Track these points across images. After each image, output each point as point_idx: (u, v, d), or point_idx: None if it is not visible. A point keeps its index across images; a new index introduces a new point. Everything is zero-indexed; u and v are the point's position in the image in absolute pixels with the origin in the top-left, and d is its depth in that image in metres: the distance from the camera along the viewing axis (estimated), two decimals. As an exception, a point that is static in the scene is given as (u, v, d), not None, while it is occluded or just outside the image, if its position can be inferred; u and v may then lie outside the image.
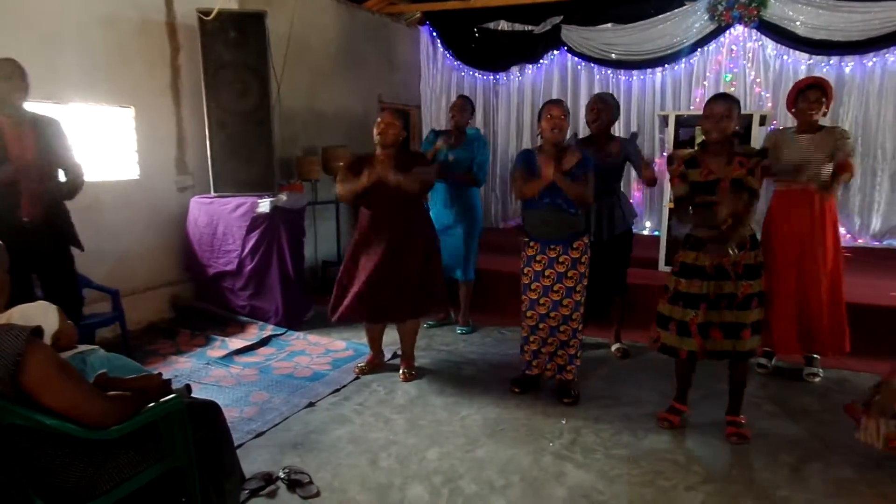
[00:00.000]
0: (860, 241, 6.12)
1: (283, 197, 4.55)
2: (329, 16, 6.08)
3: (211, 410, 1.98)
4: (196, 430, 1.85)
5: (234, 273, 4.58)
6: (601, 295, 3.97)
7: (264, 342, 4.28)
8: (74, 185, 3.22)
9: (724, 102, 2.72)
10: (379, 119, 3.40)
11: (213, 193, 4.65)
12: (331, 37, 6.11)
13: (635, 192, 6.81)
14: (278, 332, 4.44)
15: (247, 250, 4.52)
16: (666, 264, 4.98)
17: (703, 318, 2.79)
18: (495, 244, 5.44)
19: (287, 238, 4.55)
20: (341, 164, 3.72)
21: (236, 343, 4.20)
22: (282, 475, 2.53)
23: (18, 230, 2.93)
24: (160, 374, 1.93)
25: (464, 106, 4.32)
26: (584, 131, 5.35)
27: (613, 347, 4.08)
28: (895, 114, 5.90)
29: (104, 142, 4.25)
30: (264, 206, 4.45)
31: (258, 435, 2.95)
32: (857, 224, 6.17)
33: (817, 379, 3.55)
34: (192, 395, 2.76)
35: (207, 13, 4.28)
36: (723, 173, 2.72)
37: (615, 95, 6.73)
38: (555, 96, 7.02)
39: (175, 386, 2.03)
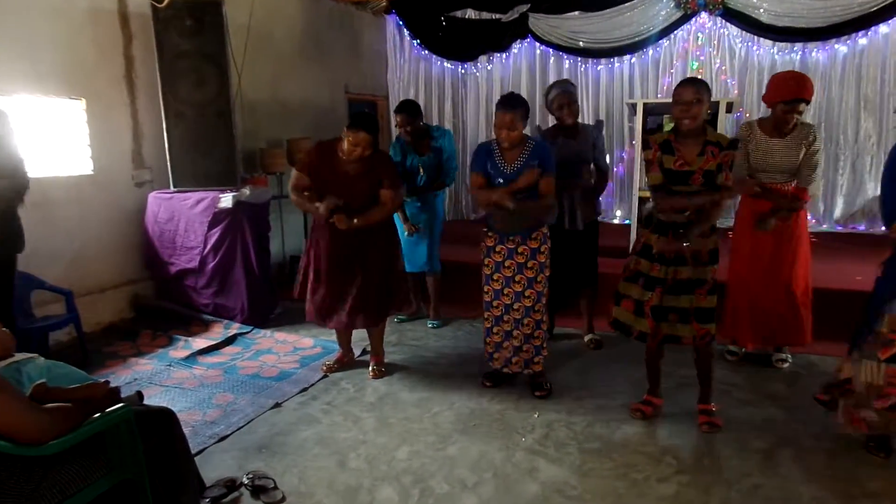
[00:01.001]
0: (824, 226, 6.21)
1: (247, 191, 4.40)
2: (292, 4, 5.92)
3: (164, 418, 1.88)
4: (148, 440, 1.75)
5: (197, 270, 4.43)
6: (572, 285, 3.94)
7: (229, 341, 4.16)
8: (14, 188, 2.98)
9: (692, 87, 2.66)
10: (350, 137, 3.15)
11: (172, 188, 4.48)
12: (294, 25, 5.94)
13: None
14: (244, 331, 4.32)
15: (209, 247, 4.38)
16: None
17: (657, 301, 2.78)
18: (466, 236, 5.37)
19: (251, 233, 4.41)
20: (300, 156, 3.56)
21: (200, 343, 4.06)
22: (245, 481, 2.43)
23: None
24: (107, 381, 1.82)
25: (407, 119, 4.12)
26: (541, 118, 5.31)
27: (586, 338, 4.05)
28: (857, 100, 5.98)
29: (53, 135, 4.05)
30: (226, 200, 4.31)
31: (221, 439, 2.84)
32: (821, 209, 6.25)
33: (786, 364, 3.57)
34: (149, 400, 2.65)
35: (160, 0, 4.10)
36: (696, 164, 2.69)
37: (583, 83, 6.79)
38: (523, 85, 6.98)
39: (126, 393, 1.92)
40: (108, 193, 4.33)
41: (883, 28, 5.73)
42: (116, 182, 4.40)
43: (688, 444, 2.75)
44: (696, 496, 2.36)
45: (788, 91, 3.17)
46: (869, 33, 5.79)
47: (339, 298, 3.37)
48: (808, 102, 3.22)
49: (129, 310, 4.52)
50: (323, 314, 3.43)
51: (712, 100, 3.37)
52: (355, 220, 3.21)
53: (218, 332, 4.27)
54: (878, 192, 6.05)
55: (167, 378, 3.56)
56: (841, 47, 5.94)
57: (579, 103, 4.05)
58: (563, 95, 3.69)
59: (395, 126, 4.30)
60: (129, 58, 4.40)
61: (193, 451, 2.65)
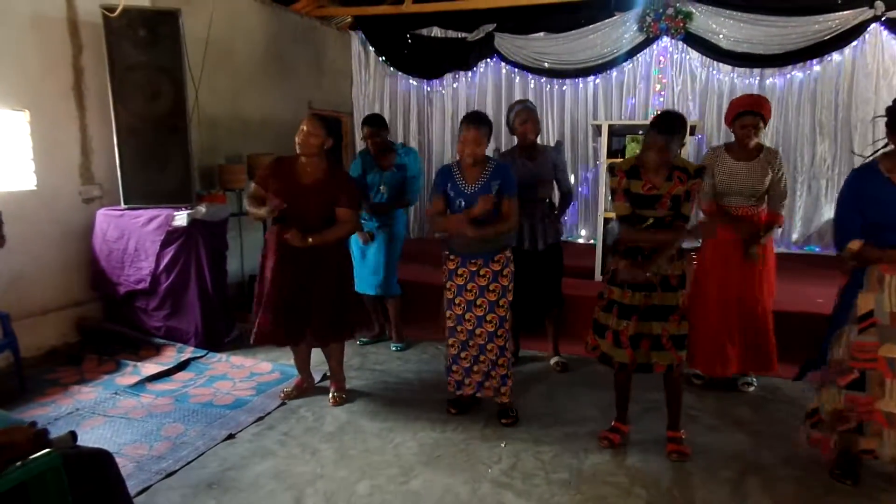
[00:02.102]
0: (782, 248, 6.32)
1: (202, 208, 4.23)
2: (253, 17, 5.78)
3: (100, 461, 1.72)
4: (80, 487, 1.59)
5: (148, 291, 4.22)
6: (537, 307, 3.88)
7: (182, 366, 3.95)
8: None
9: (664, 131, 2.59)
10: (302, 126, 3.15)
11: (123, 205, 4.27)
12: (256, 39, 5.81)
13: (570, 201, 6.82)
14: (198, 355, 4.11)
15: (162, 267, 4.18)
16: (602, 273, 4.95)
17: (633, 330, 2.73)
18: (431, 254, 5.28)
19: (207, 252, 4.23)
20: (258, 170, 3.44)
21: (150, 368, 3.85)
22: (193, 522, 2.27)
23: None
24: (33, 423, 1.65)
25: (372, 132, 4.09)
26: (506, 139, 5.29)
27: (552, 361, 3.99)
28: (812, 125, 6.14)
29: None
30: (181, 218, 4.12)
31: (169, 475, 2.66)
32: (779, 231, 6.38)
33: (751, 388, 3.57)
34: (91, 432, 2.46)
35: (112, 9, 3.93)
36: (664, 188, 2.66)
37: (548, 103, 6.82)
38: (489, 104, 6.97)
39: (62, 427, 1.75)
40: (53, 210, 4.10)
41: (836, 56, 5.91)
42: (62, 198, 4.17)
43: (657, 473, 2.68)
44: (666, 530, 2.29)
45: (741, 104, 3.25)
46: (823, 61, 5.97)
47: (286, 317, 3.20)
48: (763, 119, 3.24)
49: (74, 333, 4.27)
50: (267, 334, 3.25)
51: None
52: (310, 239, 3.08)
53: (170, 357, 4.06)
54: (833, 215, 6.24)
55: (112, 407, 3.34)
56: (797, 74, 6.11)
57: (543, 123, 4.05)
58: (525, 111, 3.67)
59: (361, 139, 4.22)
60: (79, 68, 4.20)
61: (137, 489, 2.49)
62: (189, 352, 4.13)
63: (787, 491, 2.54)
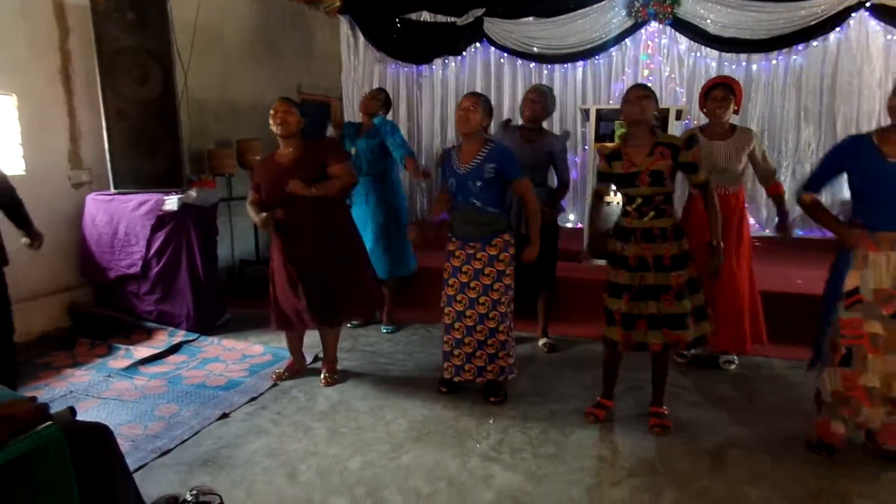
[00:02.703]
0: (767, 231, 6.42)
1: (193, 193, 4.25)
2: (241, 1, 5.76)
3: (99, 435, 1.76)
4: (80, 461, 1.63)
5: (139, 276, 4.25)
6: (528, 289, 3.94)
7: (174, 349, 3.99)
8: None
9: (640, 87, 2.80)
10: (272, 110, 3.19)
11: (112, 190, 4.28)
12: (244, 23, 5.79)
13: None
14: (190, 338, 4.15)
15: (153, 251, 4.20)
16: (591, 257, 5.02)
17: (626, 309, 2.79)
18: (425, 239, 5.31)
19: (197, 237, 4.26)
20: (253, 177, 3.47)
21: (142, 352, 3.89)
22: (189, 498, 2.31)
23: None
24: (33, 398, 1.69)
25: (374, 95, 4.20)
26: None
27: (541, 342, 4.06)
28: (797, 111, 6.22)
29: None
30: (171, 202, 4.14)
31: (164, 453, 2.71)
32: (765, 215, 6.47)
33: (733, 366, 3.66)
34: (86, 413, 2.50)
35: (100, -8, 3.92)
36: (643, 165, 2.73)
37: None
38: (478, 89, 6.97)
39: (58, 408, 1.79)
40: (42, 195, 4.09)
41: (821, 42, 5.98)
42: (51, 183, 4.17)
43: (639, 447, 2.77)
44: (647, 499, 2.37)
45: (711, 80, 3.44)
46: (808, 47, 6.03)
47: (295, 300, 3.29)
48: (734, 94, 3.33)
49: (65, 318, 4.29)
50: (283, 320, 3.39)
51: (663, 106, 3.50)
52: (313, 189, 3.13)
53: (161, 341, 4.09)
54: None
55: (106, 389, 3.38)
56: (783, 59, 6.17)
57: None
58: (536, 92, 3.75)
59: (366, 98, 4.24)
60: (66, 52, 4.18)
61: (134, 467, 2.53)
62: (181, 335, 4.16)
63: (764, 462, 2.63)
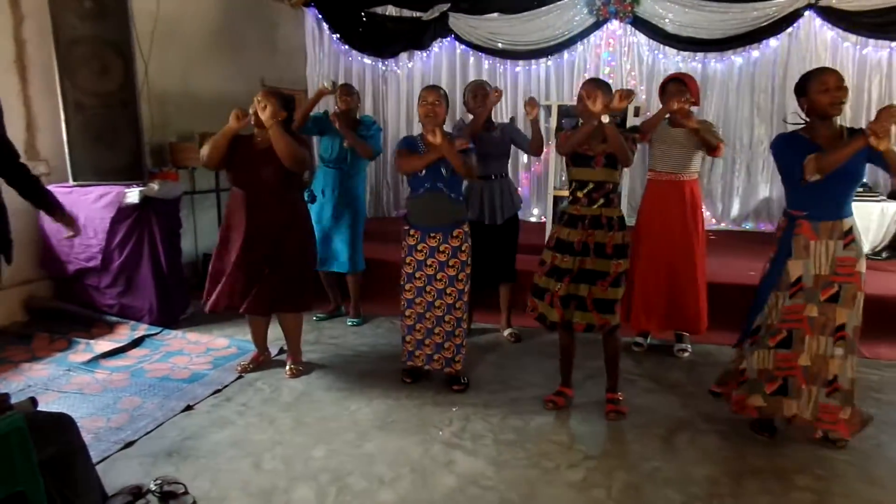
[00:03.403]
0: (722, 224, 6.66)
1: (155, 186, 4.21)
2: (203, -8, 5.68)
3: (61, 425, 1.78)
4: (42, 449, 1.65)
5: (100, 269, 4.19)
6: (490, 280, 4.03)
7: (136, 343, 3.96)
8: None
9: (593, 83, 2.93)
10: (257, 101, 3.19)
11: (71, 182, 4.21)
12: (206, 14, 5.71)
13: (523, 180, 6.99)
14: (153, 332, 4.12)
15: (114, 244, 4.15)
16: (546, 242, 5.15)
17: (564, 291, 2.93)
18: (386, 233, 5.36)
19: (160, 230, 4.22)
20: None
21: (103, 345, 3.85)
22: (153, 487, 2.34)
23: None
24: (-6, 388, 1.70)
25: (348, 91, 4.23)
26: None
27: (505, 332, 4.16)
28: (751, 108, 6.45)
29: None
30: (132, 195, 4.10)
31: (127, 445, 2.71)
32: (720, 209, 6.70)
33: (686, 354, 3.82)
34: (46, 407, 2.50)
35: (56, -20, 3.84)
36: (598, 149, 2.89)
37: (502, 84, 6.93)
38: (444, 84, 7.01)
39: (18, 399, 1.80)
40: (-2, 187, 4.01)
41: (773, 42, 6.21)
42: (7, 175, 4.07)
43: (595, 432, 2.89)
44: (601, 480, 2.48)
45: (666, 79, 3.65)
46: (761, 46, 6.26)
47: (248, 279, 3.28)
48: (689, 89, 3.47)
49: (23, 312, 4.21)
50: (229, 295, 3.31)
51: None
52: (273, 121, 3.12)
53: (123, 334, 4.06)
54: (769, 193, 6.57)
55: (66, 384, 3.35)
56: (737, 58, 6.39)
57: (497, 104, 4.19)
58: (479, 86, 3.86)
59: (337, 97, 4.23)
60: (20, 40, 4.08)
61: (97, 459, 2.53)
62: (143, 329, 4.13)
63: (711, 444, 2.78)
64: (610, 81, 6.46)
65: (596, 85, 2.92)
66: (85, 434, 2.73)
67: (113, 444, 2.69)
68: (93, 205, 4.13)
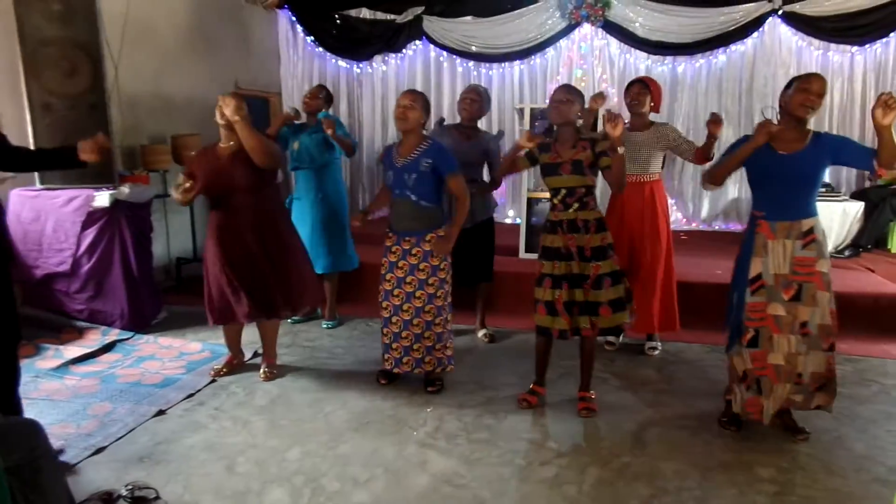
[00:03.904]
0: (693, 224, 6.79)
1: (125, 189, 4.16)
2: (175, -6, 5.63)
3: (28, 430, 1.76)
4: (8, 455, 1.63)
5: (69, 273, 4.13)
6: (467, 282, 4.06)
7: (107, 348, 3.91)
8: None
9: (564, 90, 2.98)
10: (221, 105, 3.13)
11: (39, 185, 4.15)
12: (178, 16, 5.66)
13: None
14: (124, 337, 4.07)
15: (83, 248, 4.10)
16: (526, 251, 5.20)
17: (567, 297, 2.95)
18: (362, 235, 5.35)
19: (131, 234, 4.18)
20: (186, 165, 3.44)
21: (73, 351, 3.80)
22: (124, 493, 2.32)
23: None
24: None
25: (314, 94, 4.20)
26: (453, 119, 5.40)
27: (480, 333, 4.19)
28: (719, 110, 6.52)
29: None
30: (102, 198, 4.05)
31: (98, 451, 2.69)
32: (691, 209, 6.83)
33: (657, 352, 3.89)
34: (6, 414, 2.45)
35: (22, -19, 3.79)
36: (566, 156, 2.94)
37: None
38: (419, 87, 7.05)
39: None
40: (-38, 191, 3.94)
41: (739, 46, 6.36)
42: (-29, 178, 4.00)
43: (568, 429, 2.93)
44: (573, 477, 2.53)
45: (630, 82, 3.71)
46: (728, 50, 6.41)
47: (234, 293, 3.28)
48: (647, 88, 3.57)
49: (-11, 318, 4.12)
50: (219, 314, 3.35)
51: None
52: (238, 118, 3.07)
53: (94, 340, 4.00)
54: (738, 194, 6.71)
55: (34, 390, 3.30)
56: (705, 62, 6.53)
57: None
58: (473, 92, 3.88)
59: (306, 97, 4.22)
60: (-15, 42, 4.01)
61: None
62: (114, 334, 4.08)
63: (680, 439, 2.84)
64: (582, 85, 6.64)
65: (567, 91, 2.97)
66: (54, 441, 2.70)
67: (83, 451, 2.65)
68: (62, 209, 4.07)
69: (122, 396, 3.24)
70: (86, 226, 4.07)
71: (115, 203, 4.08)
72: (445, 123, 4.10)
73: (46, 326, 4.10)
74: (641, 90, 3.58)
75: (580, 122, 3.03)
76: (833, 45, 6.22)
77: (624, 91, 3.74)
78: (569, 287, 2.95)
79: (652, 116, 3.70)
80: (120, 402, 3.16)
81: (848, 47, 6.20)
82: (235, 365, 3.61)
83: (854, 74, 6.28)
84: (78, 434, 2.81)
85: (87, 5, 3.99)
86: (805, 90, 2.61)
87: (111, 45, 4.28)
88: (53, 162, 3.02)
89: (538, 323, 3.05)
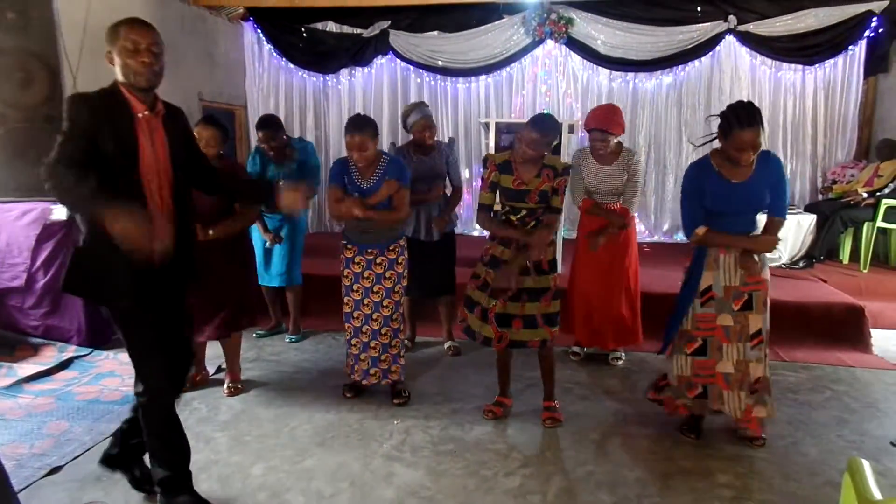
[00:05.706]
0: (655, 237, 6.94)
1: (84, 202, 4.06)
2: (136, 4, 5.55)
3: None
4: (-43, 477, 1.58)
5: (23, 289, 4.01)
6: (430, 294, 4.08)
7: (64, 366, 3.81)
8: None
9: (537, 130, 2.80)
10: (198, 135, 3.07)
11: (-8, 198, 4.03)
12: (140, 27, 5.58)
13: (464, 195, 7.09)
14: (82, 353, 3.97)
15: (38, 263, 3.99)
16: (481, 257, 5.23)
17: (501, 309, 2.97)
18: (327, 248, 5.34)
19: (89, 248, 4.07)
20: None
21: (27, 369, 3.69)
22: (80, 514, 2.26)
23: None
24: None
25: (269, 135, 4.01)
26: (403, 134, 5.44)
27: (446, 345, 4.20)
28: (678, 125, 6.79)
29: None
30: (59, 212, 3.95)
31: (53, 471, 2.62)
32: (653, 222, 6.99)
33: (620, 362, 3.96)
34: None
35: (-23, -10, 3.70)
36: (533, 184, 2.92)
37: (443, 101, 7.05)
38: (385, 100, 7.10)
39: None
40: (-90, 204, 3.80)
41: (697, 63, 6.58)
42: (-80, 191, 3.86)
43: (532, 440, 2.96)
44: (537, 486, 2.55)
45: (592, 121, 3.55)
46: (687, 67, 6.61)
47: (211, 315, 3.27)
48: (614, 135, 3.52)
49: (-62, 336, 3.97)
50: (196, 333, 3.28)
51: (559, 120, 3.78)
52: (210, 232, 3.11)
53: (49, 357, 3.89)
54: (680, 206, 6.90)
55: (-15, 410, 3.18)
56: (665, 78, 6.72)
57: (438, 120, 4.24)
58: (424, 119, 3.81)
59: (258, 142, 4.18)
60: (-64, 52, 3.90)
61: (19, 487, 2.43)
62: (71, 350, 3.97)
63: (642, 447, 2.90)
64: (546, 99, 6.76)
65: (540, 132, 2.80)
66: (6, 462, 2.62)
67: (37, 471, 2.58)
68: (16, 222, 3.96)
69: (80, 414, 3.15)
70: (42, 240, 3.97)
71: (72, 217, 3.98)
72: (399, 146, 4.09)
73: (-1, 343, 3.97)
74: (602, 137, 3.48)
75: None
76: (785, 64, 6.47)
77: (587, 129, 3.60)
78: (507, 301, 2.95)
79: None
80: (77, 421, 3.07)
81: (799, 66, 6.46)
82: (198, 380, 3.54)
83: (805, 91, 6.54)
84: (31, 454, 2.72)
85: (43, 14, 3.92)
86: (740, 150, 2.61)
87: (70, 55, 4.20)
88: (248, 194, 2.86)
89: (469, 324, 3.07)
